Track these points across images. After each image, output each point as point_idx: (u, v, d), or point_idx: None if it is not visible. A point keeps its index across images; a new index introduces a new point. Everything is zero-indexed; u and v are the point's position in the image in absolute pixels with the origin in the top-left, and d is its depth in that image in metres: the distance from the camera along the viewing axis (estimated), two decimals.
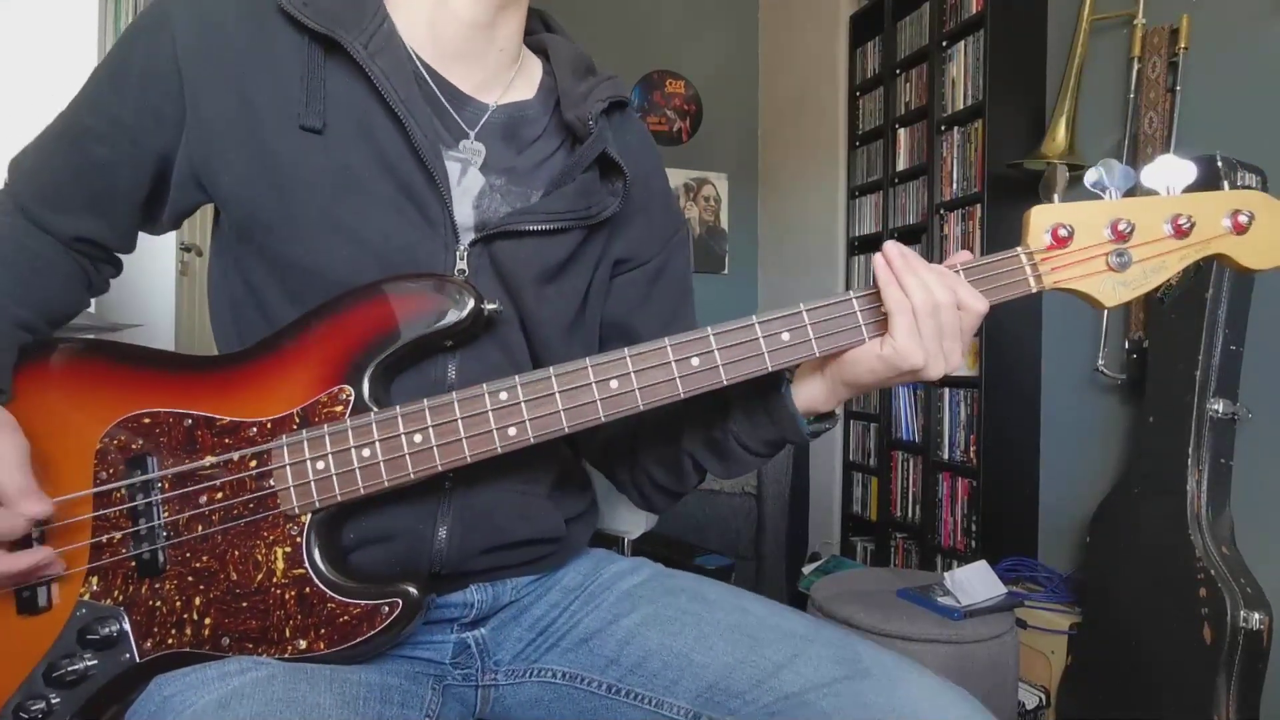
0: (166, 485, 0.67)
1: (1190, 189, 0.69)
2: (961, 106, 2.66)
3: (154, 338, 1.46)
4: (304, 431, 0.67)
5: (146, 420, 0.68)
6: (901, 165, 2.99)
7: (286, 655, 0.64)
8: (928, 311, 0.66)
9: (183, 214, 0.79)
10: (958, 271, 0.69)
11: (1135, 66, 2.15)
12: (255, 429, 0.67)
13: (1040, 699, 2.07)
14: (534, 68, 0.85)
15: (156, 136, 0.73)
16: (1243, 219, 0.68)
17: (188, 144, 0.72)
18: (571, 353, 0.78)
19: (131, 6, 1.57)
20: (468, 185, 0.75)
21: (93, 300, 0.85)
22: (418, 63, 0.76)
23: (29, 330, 0.72)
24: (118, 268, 0.83)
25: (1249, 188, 1.73)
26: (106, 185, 0.75)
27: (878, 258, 0.67)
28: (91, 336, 0.78)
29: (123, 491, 0.67)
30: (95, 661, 0.65)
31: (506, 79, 0.81)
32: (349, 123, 0.72)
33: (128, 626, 0.65)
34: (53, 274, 0.75)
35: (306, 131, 0.70)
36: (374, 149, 0.71)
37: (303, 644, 0.64)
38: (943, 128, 2.74)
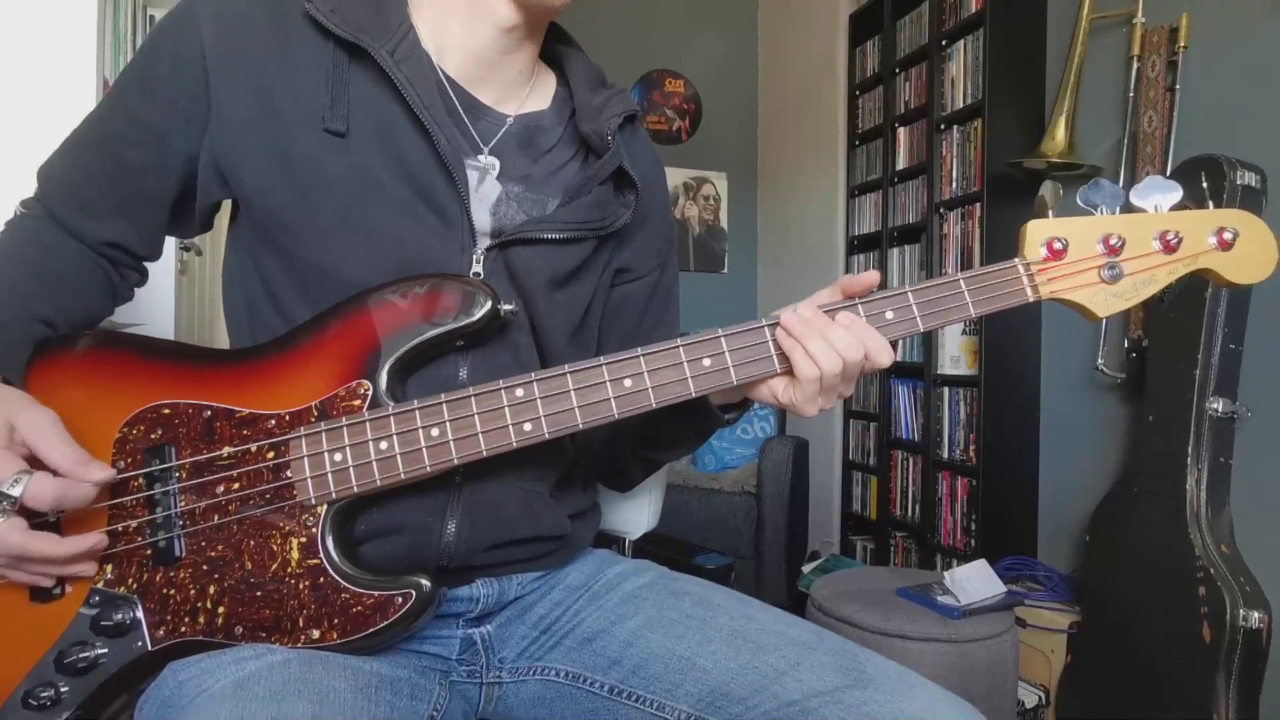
0: (184, 474, 0.68)
1: (1177, 206, 0.72)
2: (961, 105, 2.66)
3: (154, 336, 1.46)
4: (322, 424, 0.68)
5: (166, 411, 0.69)
6: (901, 164, 3.00)
7: (299, 645, 0.65)
8: (835, 373, 0.68)
9: (210, 211, 0.81)
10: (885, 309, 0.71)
11: (1134, 65, 2.15)
12: (274, 421, 0.68)
13: (1040, 698, 2.08)
14: (547, 79, 0.87)
15: (184, 137, 0.74)
16: (1228, 236, 0.71)
17: (211, 140, 0.74)
18: (574, 356, 0.79)
19: (130, 19, 1.57)
20: (485, 192, 0.77)
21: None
22: (440, 74, 0.78)
23: (49, 325, 0.73)
24: (143, 275, 0.84)
25: (1248, 187, 1.73)
26: (137, 189, 0.76)
27: (778, 331, 0.70)
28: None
29: (140, 480, 0.67)
30: (106, 650, 0.65)
31: (523, 92, 0.84)
32: (370, 127, 0.73)
33: (141, 614, 0.65)
34: (77, 278, 0.76)
35: (330, 134, 0.72)
36: (394, 153, 0.73)
37: (315, 633, 0.65)
38: (942, 127, 2.75)
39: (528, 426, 0.67)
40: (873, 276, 0.71)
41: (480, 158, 0.78)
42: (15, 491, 0.59)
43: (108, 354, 0.72)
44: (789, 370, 0.70)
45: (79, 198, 0.76)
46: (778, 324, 0.70)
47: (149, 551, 0.67)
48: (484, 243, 0.76)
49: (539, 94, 0.85)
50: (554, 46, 0.89)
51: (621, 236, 0.84)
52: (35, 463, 0.62)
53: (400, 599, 0.65)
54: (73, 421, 0.66)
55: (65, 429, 0.64)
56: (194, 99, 0.73)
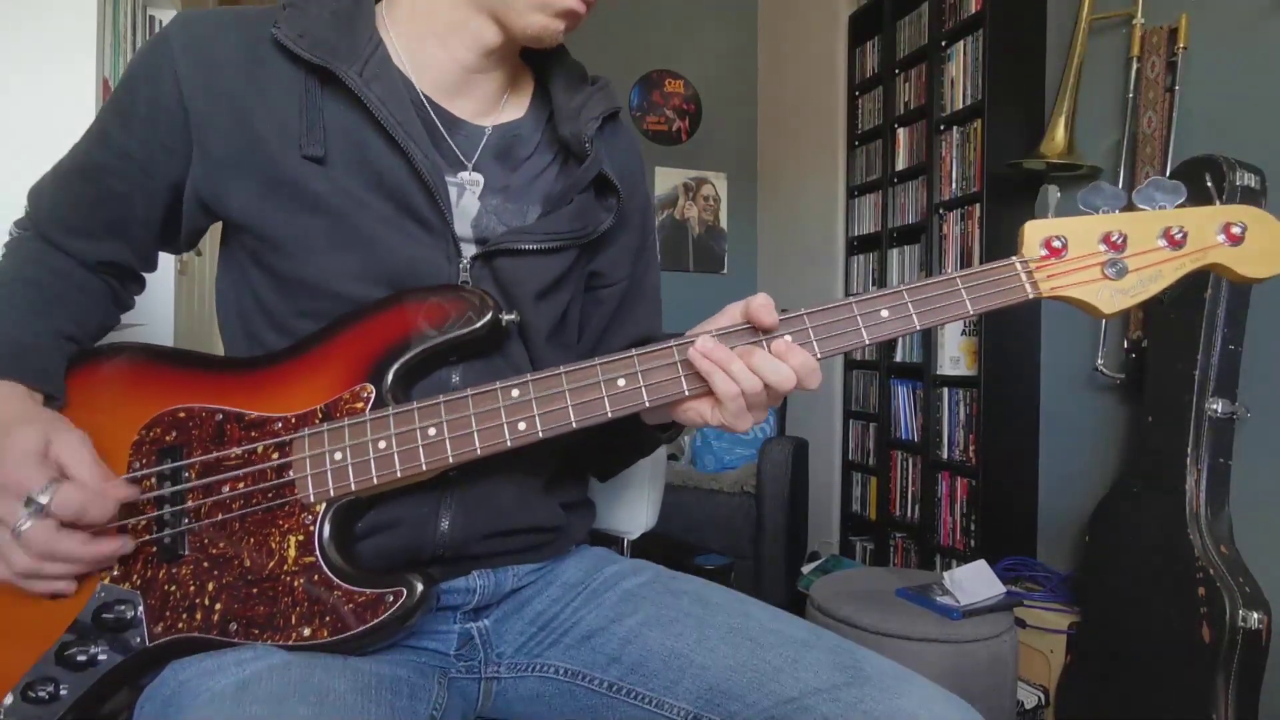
0: (193, 474, 0.70)
1: (1183, 206, 0.71)
2: (961, 106, 2.67)
3: (154, 336, 1.46)
4: (325, 425, 0.69)
5: (181, 415, 0.71)
6: (901, 165, 3.00)
7: (291, 642, 0.65)
8: (755, 391, 0.67)
9: (196, 234, 0.82)
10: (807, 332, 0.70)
11: (1134, 66, 2.15)
12: (280, 423, 0.70)
13: (1039, 698, 2.08)
14: (524, 84, 0.87)
15: (167, 167, 0.75)
16: (1236, 230, 0.70)
17: (195, 174, 0.75)
18: (556, 354, 0.81)
19: (130, 19, 1.57)
20: (465, 206, 0.78)
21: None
22: (414, 90, 0.78)
23: (74, 341, 0.75)
24: (142, 285, 0.87)
25: (1248, 187, 1.73)
26: (123, 214, 0.78)
27: (692, 352, 0.68)
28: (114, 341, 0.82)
29: (152, 480, 0.69)
30: (106, 645, 0.66)
31: (500, 103, 0.83)
32: (347, 149, 0.74)
33: (141, 611, 0.66)
34: (86, 294, 0.79)
35: (308, 160, 0.73)
36: (373, 174, 0.74)
37: (306, 631, 0.65)
38: (942, 127, 2.75)
39: (522, 426, 0.68)
40: (763, 303, 0.70)
41: (463, 174, 0.78)
42: (44, 499, 0.62)
43: (128, 364, 0.75)
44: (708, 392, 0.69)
45: (69, 222, 0.78)
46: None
47: (154, 549, 0.68)
48: (469, 251, 0.77)
49: (516, 100, 0.85)
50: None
51: (601, 240, 0.84)
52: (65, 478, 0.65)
53: (391, 597, 0.65)
54: (96, 427, 0.68)
55: (95, 450, 0.66)
56: (174, 132, 0.74)
